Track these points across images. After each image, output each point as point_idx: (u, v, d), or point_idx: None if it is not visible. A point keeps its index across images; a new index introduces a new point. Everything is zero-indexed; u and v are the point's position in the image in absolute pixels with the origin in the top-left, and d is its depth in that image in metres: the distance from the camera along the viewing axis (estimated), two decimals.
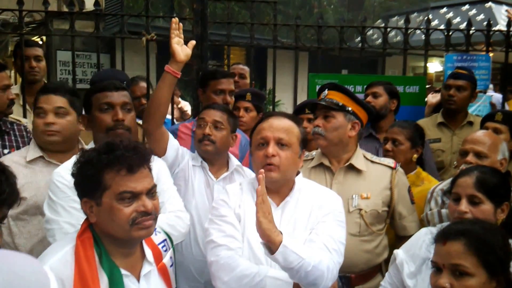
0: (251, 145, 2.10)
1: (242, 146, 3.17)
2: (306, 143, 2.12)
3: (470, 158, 2.46)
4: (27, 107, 3.72)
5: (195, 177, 2.69)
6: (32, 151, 2.48)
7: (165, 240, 1.85)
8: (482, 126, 3.12)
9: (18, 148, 2.89)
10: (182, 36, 2.59)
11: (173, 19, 2.61)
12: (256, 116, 3.42)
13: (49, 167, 2.40)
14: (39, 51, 3.78)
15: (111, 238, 1.62)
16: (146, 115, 2.54)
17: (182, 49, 2.56)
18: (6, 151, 2.87)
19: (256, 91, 3.68)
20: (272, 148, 1.96)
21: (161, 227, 2.12)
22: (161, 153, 2.54)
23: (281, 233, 1.75)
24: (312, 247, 1.86)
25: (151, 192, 1.64)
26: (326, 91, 2.57)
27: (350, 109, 2.52)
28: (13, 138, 2.97)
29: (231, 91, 3.23)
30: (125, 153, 1.58)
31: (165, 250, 1.82)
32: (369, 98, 3.45)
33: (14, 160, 2.45)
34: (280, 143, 1.98)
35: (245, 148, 3.17)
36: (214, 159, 2.71)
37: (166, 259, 1.80)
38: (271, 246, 1.72)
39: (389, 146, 2.98)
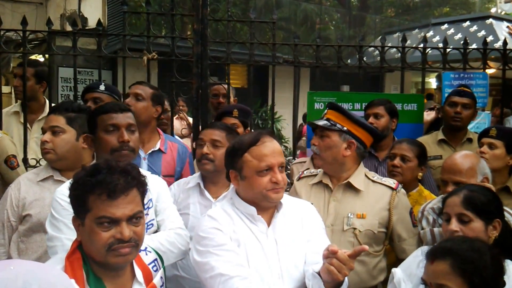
0: (242, 168, 2.04)
1: (180, 154, 3.19)
2: None
3: (450, 188, 2.44)
4: (27, 124, 3.80)
5: (189, 203, 2.70)
6: (44, 170, 2.56)
7: (156, 259, 1.84)
8: (479, 142, 3.14)
9: None
10: None
11: None
12: (243, 132, 3.37)
13: (58, 185, 2.43)
14: (28, 70, 3.79)
15: (94, 259, 1.63)
16: None
17: None
18: None
19: (242, 107, 3.62)
20: (279, 175, 2.01)
21: (161, 242, 2.16)
22: None
23: None
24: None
25: (134, 218, 1.62)
26: (326, 110, 2.60)
27: (345, 128, 2.51)
28: None
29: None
30: (107, 178, 1.58)
31: (156, 270, 1.80)
32: (371, 119, 3.44)
33: (28, 178, 2.55)
34: (281, 167, 2.03)
35: (183, 156, 3.20)
36: (215, 177, 2.72)
37: (157, 279, 1.78)
38: (331, 283, 1.78)
39: (397, 162, 2.97)
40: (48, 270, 1.17)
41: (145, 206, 1.82)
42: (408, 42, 4.17)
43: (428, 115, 4.28)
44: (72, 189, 1.64)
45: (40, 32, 3.92)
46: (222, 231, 1.96)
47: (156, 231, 2.30)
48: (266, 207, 2.06)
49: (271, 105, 4.32)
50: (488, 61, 4.24)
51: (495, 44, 8.32)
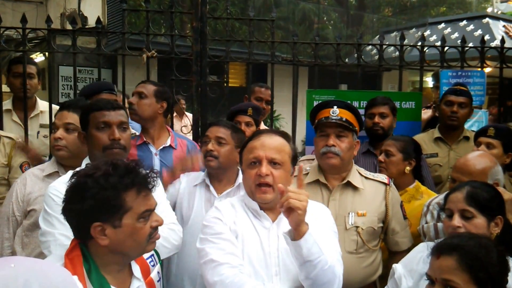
0: (242, 163, 2.10)
1: (190, 150, 3.23)
2: (296, 159, 2.11)
3: None
4: (20, 122, 3.83)
5: (195, 197, 2.75)
6: (50, 166, 2.59)
7: (153, 255, 1.88)
8: (476, 141, 3.17)
9: None
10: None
11: None
12: (255, 130, 3.44)
13: None
14: (32, 69, 3.84)
15: (119, 255, 1.63)
16: None
17: None
18: None
19: (255, 105, 3.71)
20: (265, 168, 1.95)
21: None
22: None
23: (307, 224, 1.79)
24: None
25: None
26: (336, 109, 2.51)
27: (356, 128, 2.55)
28: None
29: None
30: (146, 175, 1.65)
31: (153, 265, 1.85)
32: (377, 119, 3.44)
33: (34, 174, 2.59)
34: (273, 162, 1.98)
35: (193, 152, 3.24)
36: (220, 174, 2.76)
37: (154, 274, 1.83)
38: (297, 233, 1.76)
39: (381, 157, 3.04)
40: (49, 267, 1.17)
41: None
42: (406, 41, 4.20)
43: (425, 114, 4.30)
44: (99, 195, 1.57)
45: (40, 30, 3.94)
46: (222, 221, 1.99)
47: None
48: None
49: (270, 104, 4.34)
50: (485, 60, 4.27)
51: (491, 43, 8.36)
